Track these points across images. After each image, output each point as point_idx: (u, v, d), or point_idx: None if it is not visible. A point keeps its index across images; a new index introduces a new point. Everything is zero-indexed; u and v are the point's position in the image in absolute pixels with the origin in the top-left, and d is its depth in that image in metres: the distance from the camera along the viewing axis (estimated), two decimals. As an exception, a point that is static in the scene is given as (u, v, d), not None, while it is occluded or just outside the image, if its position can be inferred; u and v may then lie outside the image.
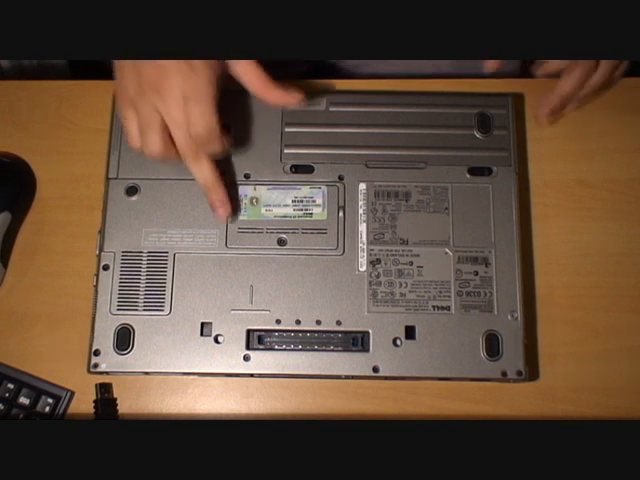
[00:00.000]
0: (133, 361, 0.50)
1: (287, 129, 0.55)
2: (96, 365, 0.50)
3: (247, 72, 0.48)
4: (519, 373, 0.50)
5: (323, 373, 0.50)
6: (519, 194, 0.53)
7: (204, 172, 0.49)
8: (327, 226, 0.53)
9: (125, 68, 0.48)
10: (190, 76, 0.46)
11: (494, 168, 0.54)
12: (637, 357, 0.53)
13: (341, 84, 0.59)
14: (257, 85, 0.48)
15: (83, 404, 0.52)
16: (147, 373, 0.51)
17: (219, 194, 0.50)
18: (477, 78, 0.57)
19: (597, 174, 0.57)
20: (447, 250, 0.52)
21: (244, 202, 0.53)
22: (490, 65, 0.55)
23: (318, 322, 0.51)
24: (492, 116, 0.55)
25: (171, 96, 0.46)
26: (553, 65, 0.54)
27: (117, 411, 0.52)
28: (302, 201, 0.53)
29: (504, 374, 0.50)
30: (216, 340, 0.51)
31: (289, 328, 0.51)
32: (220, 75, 0.47)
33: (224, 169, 0.52)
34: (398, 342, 0.50)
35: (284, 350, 0.51)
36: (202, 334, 0.51)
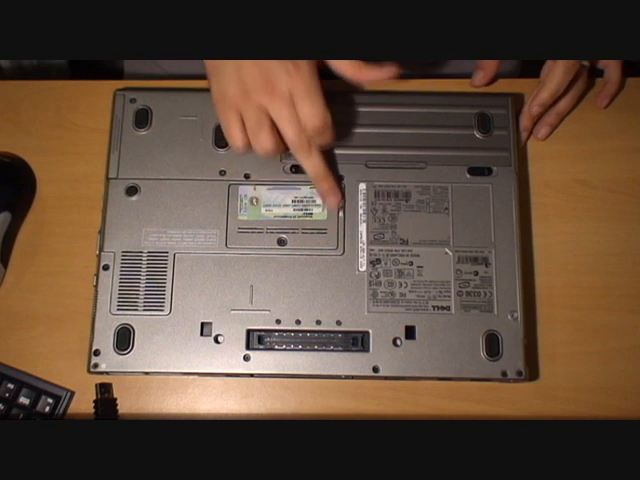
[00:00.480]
0: (133, 361, 0.50)
1: (287, 129, 0.54)
2: (96, 365, 0.50)
3: (340, 61, 0.49)
4: (519, 373, 0.50)
5: (323, 373, 0.50)
6: (519, 194, 0.53)
7: (316, 164, 0.50)
8: (327, 226, 0.53)
9: (223, 71, 0.48)
10: (294, 72, 0.46)
11: (494, 168, 0.54)
12: (637, 357, 0.53)
13: (341, 84, 0.59)
14: (350, 69, 0.49)
15: (83, 404, 0.52)
16: (147, 373, 0.51)
17: (330, 183, 0.51)
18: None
19: (597, 174, 0.57)
20: (447, 250, 0.52)
21: (244, 202, 0.53)
22: (477, 81, 0.56)
23: (318, 322, 0.51)
24: (492, 116, 0.55)
25: (279, 94, 0.46)
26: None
27: (117, 411, 0.52)
28: (302, 201, 0.53)
29: (504, 374, 0.50)
30: (216, 340, 0.51)
31: (289, 328, 0.51)
32: (318, 65, 0.48)
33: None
34: (398, 342, 0.50)
35: (284, 350, 0.51)
36: (202, 334, 0.51)
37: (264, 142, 0.48)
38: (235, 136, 0.49)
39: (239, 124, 0.48)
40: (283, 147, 0.49)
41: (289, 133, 0.48)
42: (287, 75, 0.46)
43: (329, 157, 0.53)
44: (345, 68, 0.49)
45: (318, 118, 0.47)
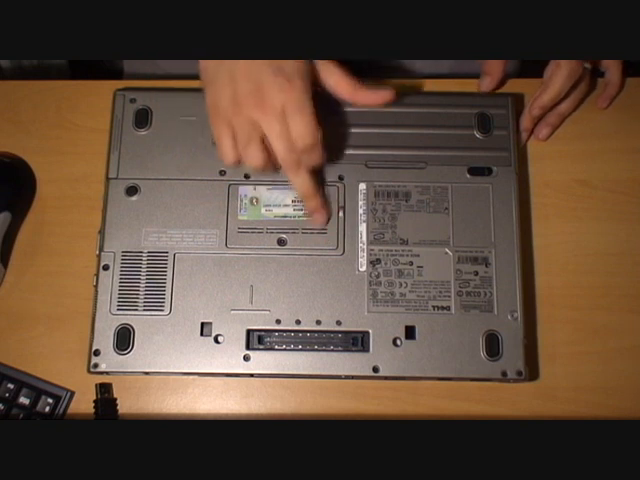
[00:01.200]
0: (133, 361, 0.50)
1: (287, 129, 0.54)
2: (96, 365, 0.50)
3: (336, 79, 0.49)
4: (519, 373, 0.50)
5: (323, 373, 0.50)
6: (519, 194, 0.53)
7: (304, 182, 0.50)
8: (327, 226, 0.53)
9: (217, 82, 0.48)
10: (287, 88, 0.46)
11: (494, 168, 0.54)
12: (637, 357, 0.53)
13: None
14: (347, 90, 0.49)
15: (83, 404, 0.52)
16: (147, 373, 0.51)
17: (317, 202, 0.51)
18: (477, 78, 0.57)
19: (597, 174, 0.57)
20: (447, 250, 0.52)
21: (244, 202, 0.53)
22: (484, 86, 0.56)
23: (318, 322, 0.51)
24: (492, 116, 0.55)
25: (271, 109, 0.46)
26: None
27: (117, 411, 0.52)
28: (302, 201, 0.53)
29: (504, 374, 0.50)
30: (216, 340, 0.51)
31: (289, 328, 0.51)
32: (312, 84, 0.48)
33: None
34: (398, 342, 0.50)
35: (284, 350, 0.51)
36: (202, 334, 0.51)
37: (253, 156, 0.48)
38: (226, 149, 0.48)
39: (230, 137, 0.48)
40: (273, 163, 0.49)
41: (279, 149, 0.47)
42: (280, 91, 0.46)
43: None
44: (342, 88, 0.49)
45: (308, 136, 0.47)
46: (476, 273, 0.52)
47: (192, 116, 0.55)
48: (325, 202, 0.52)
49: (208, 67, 0.48)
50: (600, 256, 0.55)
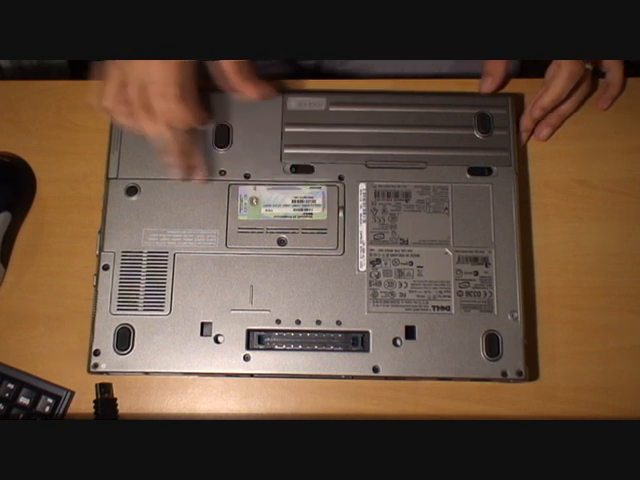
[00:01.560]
0: (133, 361, 0.50)
1: (287, 129, 0.54)
2: (96, 365, 0.50)
3: (228, 63, 0.50)
4: (519, 373, 0.50)
5: (323, 373, 0.50)
6: (519, 194, 0.53)
7: (152, 129, 0.50)
8: (327, 226, 0.53)
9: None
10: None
11: (494, 168, 0.54)
12: (637, 357, 0.53)
13: (341, 84, 0.59)
14: (232, 69, 0.50)
15: (83, 404, 0.52)
16: (147, 373, 0.51)
17: (174, 159, 0.52)
18: (477, 78, 0.57)
19: (597, 174, 0.57)
20: (447, 250, 0.52)
21: (244, 202, 0.53)
22: (486, 87, 0.56)
23: (318, 322, 0.51)
24: (492, 116, 0.55)
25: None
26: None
27: (117, 411, 0.52)
28: (302, 201, 0.53)
29: (504, 374, 0.50)
30: (216, 340, 0.51)
31: (289, 328, 0.51)
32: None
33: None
34: (398, 342, 0.50)
35: (284, 350, 0.51)
36: (202, 334, 0.51)
37: (105, 94, 0.50)
38: (108, 93, 0.50)
39: (117, 85, 0.49)
40: (123, 108, 0.50)
41: (130, 91, 0.49)
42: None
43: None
44: (227, 66, 0.50)
45: (159, 76, 0.48)
46: (476, 273, 0.52)
47: (192, 116, 0.55)
48: (180, 161, 0.52)
49: None
50: (600, 256, 0.55)
